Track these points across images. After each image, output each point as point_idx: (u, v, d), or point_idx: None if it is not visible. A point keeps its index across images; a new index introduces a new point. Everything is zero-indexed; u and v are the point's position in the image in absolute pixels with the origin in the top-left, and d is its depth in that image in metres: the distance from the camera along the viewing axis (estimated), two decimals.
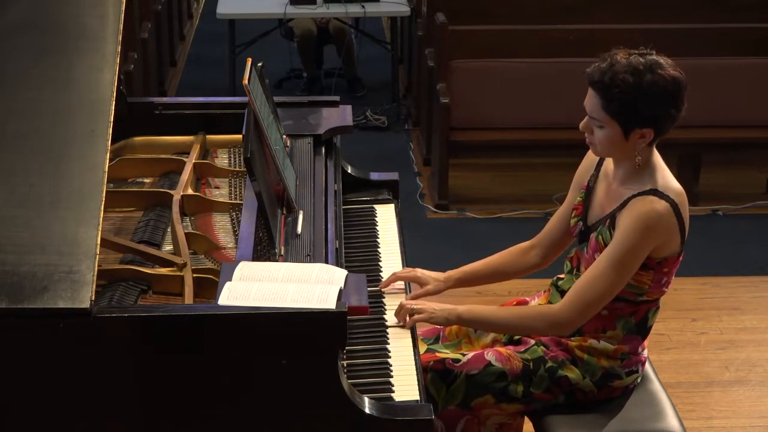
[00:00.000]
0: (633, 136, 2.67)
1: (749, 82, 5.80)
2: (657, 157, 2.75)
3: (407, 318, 2.79)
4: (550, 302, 2.92)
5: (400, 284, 2.98)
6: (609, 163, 2.83)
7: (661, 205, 2.66)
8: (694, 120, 5.73)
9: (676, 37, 5.58)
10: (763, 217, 5.66)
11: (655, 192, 2.68)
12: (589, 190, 2.88)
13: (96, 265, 2.28)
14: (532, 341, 2.91)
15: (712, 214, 5.68)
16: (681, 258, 2.79)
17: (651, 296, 2.80)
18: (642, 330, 2.85)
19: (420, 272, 3.03)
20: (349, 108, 3.53)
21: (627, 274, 2.70)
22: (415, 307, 2.80)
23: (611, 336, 2.84)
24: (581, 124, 2.74)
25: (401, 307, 2.81)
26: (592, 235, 2.80)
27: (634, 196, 2.70)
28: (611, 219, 2.74)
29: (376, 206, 3.40)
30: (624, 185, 2.74)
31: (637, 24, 5.83)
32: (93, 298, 2.25)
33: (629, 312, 2.81)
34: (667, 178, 2.72)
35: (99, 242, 2.31)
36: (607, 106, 2.65)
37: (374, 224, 3.30)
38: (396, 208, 3.42)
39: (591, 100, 2.69)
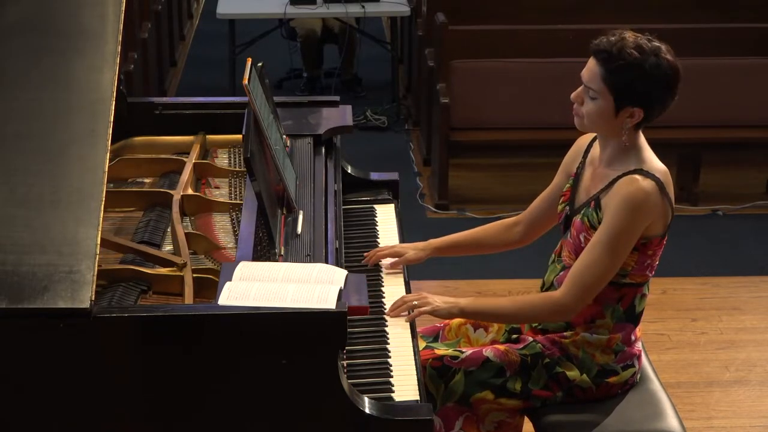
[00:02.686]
0: (622, 114, 2.72)
1: (749, 82, 5.80)
2: (642, 140, 2.81)
3: (408, 312, 2.80)
4: None
5: (400, 285, 2.97)
6: (595, 149, 2.88)
7: (647, 183, 2.71)
8: (694, 120, 5.80)
9: (676, 37, 5.52)
10: (763, 217, 5.66)
11: (641, 171, 2.73)
12: (576, 177, 2.92)
13: (96, 265, 2.28)
14: (530, 338, 2.93)
15: (712, 214, 5.68)
16: (664, 242, 2.82)
17: (634, 279, 2.82)
18: (632, 317, 2.87)
19: (400, 246, 3.11)
20: (349, 108, 3.53)
21: (622, 255, 2.74)
22: (416, 302, 2.81)
23: (601, 325, 2.85)
24: (573, 94, 2.78)
25: (402, 301, 2.82)
26: (576, 218, 2.84)
27: (619, 177, 2.74)
28: (596, 200, 2.79)
29: (376, 206, 3.40)
30: (610, 167, 2.79)
31: (637, 24, 5.81)
32: (93, 298, 2.25)
33: (615, 298, 2.83)
34: (651, 158, 2.78)
35: (99, 242, 2.31)
36: (607, 77, 2.70)
37: (374, 224, 3.30)
38: (396, 208, 3.42)
39: (591, 70, 2.73)
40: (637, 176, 2.71)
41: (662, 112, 2.76)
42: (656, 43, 2.72)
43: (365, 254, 3.08)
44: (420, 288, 4.52)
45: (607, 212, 2.73)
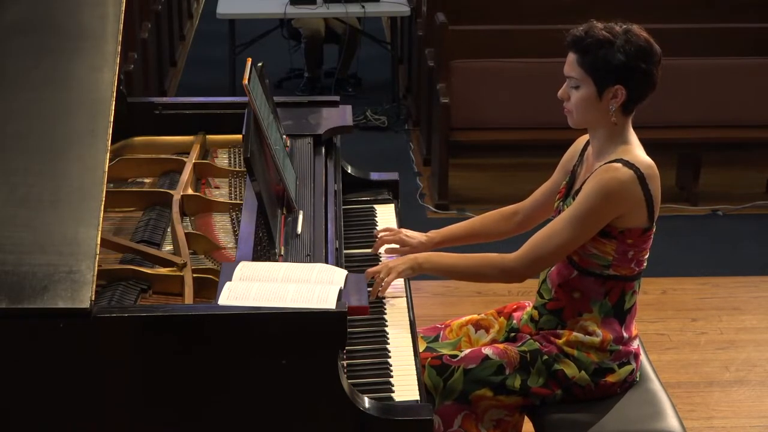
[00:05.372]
0: (606, 96, 2.76)
1: (749, 82, 5.80)
2: (632, 135, 2.83)
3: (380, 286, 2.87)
4: (536, 307, 2.98)
5: (400, 284, 2.97)
6: (591, 148, 2.90)
7: (624, 172, 2.73)
8: (694, 120, 5.81)
9: (676, 37, 5.57)
10: (763, 217, 5.66)
11: (621, 161, 2.75)
12: (572, 174, 2.95)
13: (96, 265, 2.28)
14: (527, 336, 2.95)
15: (712, 214, 5.68)
16: (650, 235, 2.83)
17: (619, 271, 2.82)
18: (619, 313, 2.87)
19: (404, 234, 3.13)
20: (349, 108, 3.53)
21: (582, 235, 2.76)
22: (381, 274, 2.86)
23: (588, 318, 2.86)
24: (559, 92, 2.85)
25: (374, 280, 2.87)
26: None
27: (602, 165, 2.78)
28: (579, 190, 2.82)
29: (376, 206, 3.40)
30: (598, 159, 2.83)
31: (637, 24, 5.82)
32: (93, 298, 2.25)
33: (602, 292, 2.84)
34: (637, 152, 2.80)
35: (99, 242, 2.31)
36: (582, 60, 2.77)
37: (374, 224, 3.30)
38: (396, 208, 3.42)
39: (568, 61, 2.81)
40: (616, 164, 2.74)
41: (646, 90, 2.77)
42: (626, 26, 2.80)
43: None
44: (420, 288, 4.54)
45: (580, 193, 2.77)
